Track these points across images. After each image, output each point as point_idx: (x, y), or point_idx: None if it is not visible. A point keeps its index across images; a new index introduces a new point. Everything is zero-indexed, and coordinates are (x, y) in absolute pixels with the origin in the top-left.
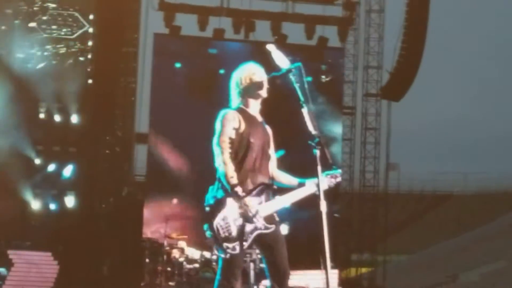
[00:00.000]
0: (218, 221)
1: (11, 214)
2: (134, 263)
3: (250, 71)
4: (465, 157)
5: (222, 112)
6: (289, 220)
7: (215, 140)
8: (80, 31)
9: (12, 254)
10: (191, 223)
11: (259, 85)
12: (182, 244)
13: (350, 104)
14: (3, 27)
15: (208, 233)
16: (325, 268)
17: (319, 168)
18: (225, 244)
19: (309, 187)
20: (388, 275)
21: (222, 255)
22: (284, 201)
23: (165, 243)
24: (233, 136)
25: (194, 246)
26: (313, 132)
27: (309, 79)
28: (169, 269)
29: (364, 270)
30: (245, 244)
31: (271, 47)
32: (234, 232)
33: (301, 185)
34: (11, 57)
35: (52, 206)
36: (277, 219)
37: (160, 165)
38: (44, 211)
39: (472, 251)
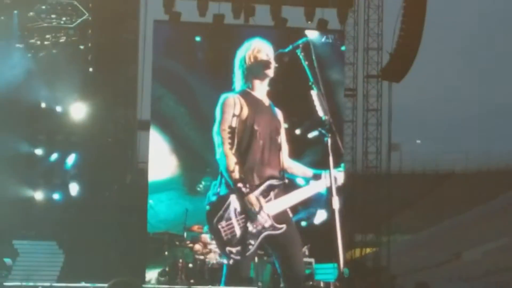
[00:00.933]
0: (220, 222)
1: (15, 205)
2: (140, 250)
3: (255, 49)
4: (466, 136)
5: (222, 97)
6: (327, 207)
7: (215, 129)
8: (80, 20)
9: (17, 244)
10: None
11: (265, 64)
12: (205, 237)
13: (351, 86)
14: (1, 17)
15: (209, 236)
16: (338, 262)
17: (330, 158)
18: (227, 249)
19: (325, 180)
20: (392, 255)
21: (225, 261)
22: (296, 197)
23: (185, 235)
24: (234, 124)
25: None
26: (324, 117)
27: (343, 48)
28: (190, 265)
29: (368, 250)
30: (251, 248)
31: (310, 33)
32: (238, 234)
33: (316, 176)
34: (11, 47)
35: (56, 196)
36: (290, 216)
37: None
38: (48, 200)
39: (474, 229)
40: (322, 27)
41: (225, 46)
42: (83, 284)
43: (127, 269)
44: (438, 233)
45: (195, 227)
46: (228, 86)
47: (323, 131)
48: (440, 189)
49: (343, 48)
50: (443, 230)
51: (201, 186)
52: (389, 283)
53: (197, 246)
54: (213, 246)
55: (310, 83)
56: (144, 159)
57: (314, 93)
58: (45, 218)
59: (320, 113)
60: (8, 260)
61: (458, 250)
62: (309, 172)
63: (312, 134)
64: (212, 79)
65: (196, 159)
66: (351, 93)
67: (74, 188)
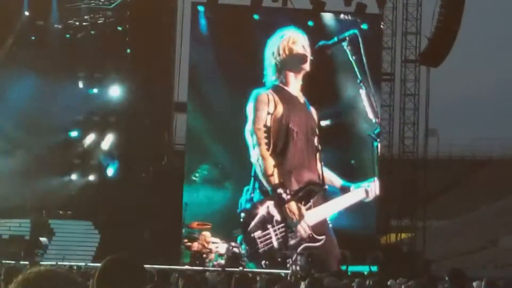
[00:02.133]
0: (255, 232)
1: (52, 185)
2: (175, 231)
3: (290, 39)
4: (504, 122)
5: (254, 93)
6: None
7: (248, 127)
8: (118, 1)
9: (54, 223)
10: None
11: (300, 57)
12: (205, 234)
13: (389, 71)
14: None
15: (243, 247)
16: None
17: (376, 167)
18: (264, 262)
19: (359, 193)
20: (428, 240)
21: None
22: (337, 206)
23: (183, 232)
24: (269, 123)
25: (220, 237)
26: (374, 120)
27: (364, 26)
28: (186, 266)
29: (404, 235)
30: (289, 261)
31: (325, 16)
32: (275, 246)
33: (344, 189)
34: (50, 28)
35: (92, 176)
36: (329, 225)
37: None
38: (84, 181)
39: (511, 216)
40: (360, 11)
41: (232, 18)
42: None
43: (162, 249)
44: (474, 220)
45: (195, 224)
46: (237, 70)
47: (373, 135)
48: (477, 176)
49: (364, 26)
50: (479, 216)
51: (197, 175)
52: (424, 268)
53: (196, 245)
54: (213, 246)
55: (358, 82)
56: (180, 141)
57: (363, 92)
58: (81, 198)
59: (370, 115)
60: (44, 240)
61: (494, 237)
62: (338, 182)
63: (324, 122)
64: (217, 59)
65: (194, 144)
66: (388, 78)
67: (110, 169)
